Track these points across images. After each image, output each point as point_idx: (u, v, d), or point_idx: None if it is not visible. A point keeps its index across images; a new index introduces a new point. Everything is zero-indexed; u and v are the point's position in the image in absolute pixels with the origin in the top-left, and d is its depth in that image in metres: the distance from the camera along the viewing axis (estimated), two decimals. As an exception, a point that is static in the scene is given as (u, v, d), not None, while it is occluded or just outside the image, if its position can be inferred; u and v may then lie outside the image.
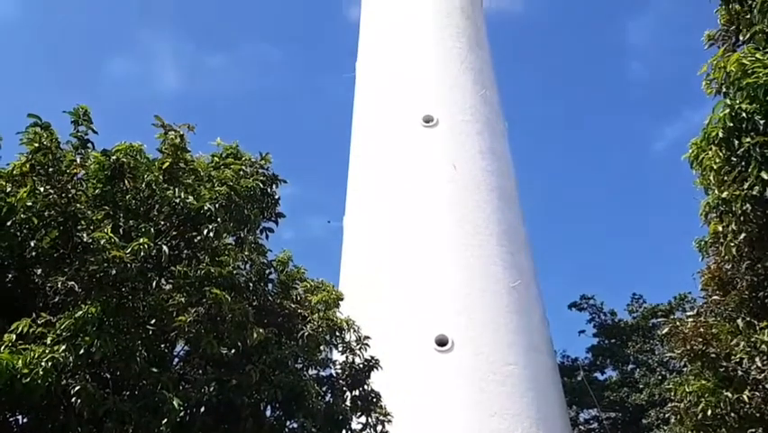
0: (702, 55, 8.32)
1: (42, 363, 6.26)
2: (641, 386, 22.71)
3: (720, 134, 7.05)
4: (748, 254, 7.78)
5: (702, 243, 8.46)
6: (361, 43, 22.14)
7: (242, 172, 8.72)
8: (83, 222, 7.55)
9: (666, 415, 9.82)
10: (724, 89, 7.38)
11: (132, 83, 47.14)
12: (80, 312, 6.67)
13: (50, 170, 7.58)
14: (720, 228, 7.69)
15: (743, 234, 7.43)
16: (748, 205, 7.08)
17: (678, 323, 8.83)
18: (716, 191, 7.40)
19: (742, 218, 7.30)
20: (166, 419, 6.82)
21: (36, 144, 7.56)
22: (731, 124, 6.93)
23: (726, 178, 7.30)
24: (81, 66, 46.29)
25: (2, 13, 44.85)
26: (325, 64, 48.46)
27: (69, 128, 8.04)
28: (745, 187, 7.05)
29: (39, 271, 7.51)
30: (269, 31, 50.92)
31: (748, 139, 6.86)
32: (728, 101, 7.01)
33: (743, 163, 7.05)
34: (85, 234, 7.40)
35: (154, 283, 7.76)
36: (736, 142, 6.97)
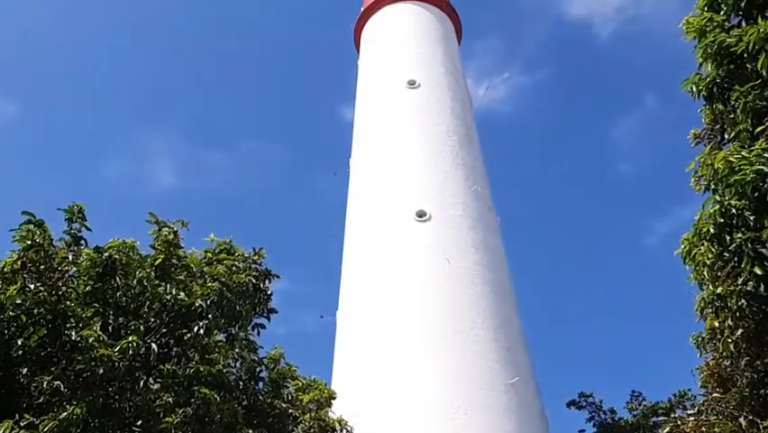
0: (689, 153, 8.52)
1: (22, 469, 6.03)
2: (645, 489, 21.92)
3: (711, 230, 7.11)
4: (746, 351, 7.67)
5: (699, 339, 8.36)
6: (355, 141, 22.65)
7: (234, 268, 8.70)
8: (72, 319, 7.45)
9: None
10: (712, 186, 7.50)
11: (129, 181, 47.79)
12: (65, 413, 6.49)
13: (42, 267, 7.54)
14: (717, 324, 7.62)
15: (740, 330, 7.36)
16: (743, 300, 7.06)
17: (679, 422, 8.61)
18: (710, 287, 7.39)
19: (738, 314, 7.26)
20: None
21: (29, 242, 7.56)
22: (722, 220, 7.00)
23: (719, 273, 7.31)
24: (78, 164, 47.08)
25: (1, 114, 45.92)
26: (319, 161, 49.36)
27: (63, 225, 8.07)
28: (740, 282, 7.05)
29: (24, 371, 7.33)
30: (263, 129, 52.17)
31: (739, 234, 6.91)
32: (718, 197, 7.12)
33: (735, 259, 7.07)
34: (73, 332, 7.28)
35: (142, 383, 7.58)
36: (728, 237, 7.02)
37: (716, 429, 7.71)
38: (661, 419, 18.71)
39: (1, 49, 46.76)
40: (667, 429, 8.33)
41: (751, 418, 7.58)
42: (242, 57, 51.59)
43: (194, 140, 50.66)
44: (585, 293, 48.62)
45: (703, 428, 7.83)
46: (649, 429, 23.50)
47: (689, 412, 8.83)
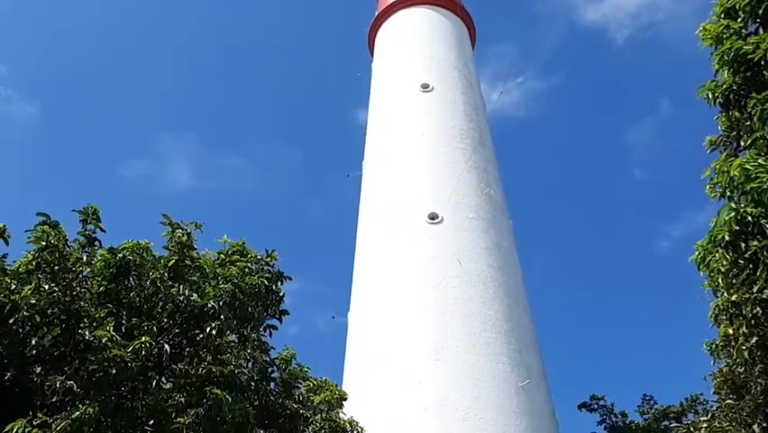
0: (704, 159, 8.46)
1: (36, 467, 6.08)
2: (657, 492, 21.81)
3: (727, 237, 7.07)
4: (761, 358, 7.63)
5: (713, 345, 8.31)
6: (368, 143, 22.67)
7: (247, 270, 8.73)
8: (86, 320, 7.51)
9: None
10: (728, 193, 7.46)
11: (145, 182, 48.05)
12: (78, 413, 6.53)
13: (56, 267, 7.60)
14: (731, 331, 7.58)
15: (754, 338, 7.32)
16: (759, 308, 7.02)
17: (692, 428, 8.56)
18: (725, 294, 7.35)
19: (753, 322, 7.22)
20: None
21: (43, 243, 7.62)
22: (737, 228, 6.96)
23: (734, 281, 7.27)
24: (95, 166, 47.39)
25: (20, 114, 46.31)
26: (332, 163, 49.48)
27: (78, 226, 8.14)
28: (755, 290, 7.01)
29: (38, 370, 7.39)
30: (277, 132, 52.29)
31: (755, 242, 6.87)
32: (733, 205, 7.07)
33: (751, 266, 7.03)
34: (87, 332, 7.34)
35: (154, 382, 7.62)
36: (743, 245, 6.98)
37: (729, 437, 7.66)
38: (673, 424, 18.59)
39: (20, 49, 47.19)
40: (680, 436, 8.26)
41: (765, 425, 7.53)
42: (257, 60, 51.82)
43: (209, 142, 50.93)
44: (598, 297, 48.40)
45: (716, 435, 7.78)
46: (660, 433, 23.37)
47: (702, 418, 8.78)
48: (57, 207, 8.00)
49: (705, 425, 8.16)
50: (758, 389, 7.87)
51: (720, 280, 7.44)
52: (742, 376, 8.18)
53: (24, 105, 47.24)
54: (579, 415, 26.12)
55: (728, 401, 8.36)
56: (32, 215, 7.78)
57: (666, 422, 23.02)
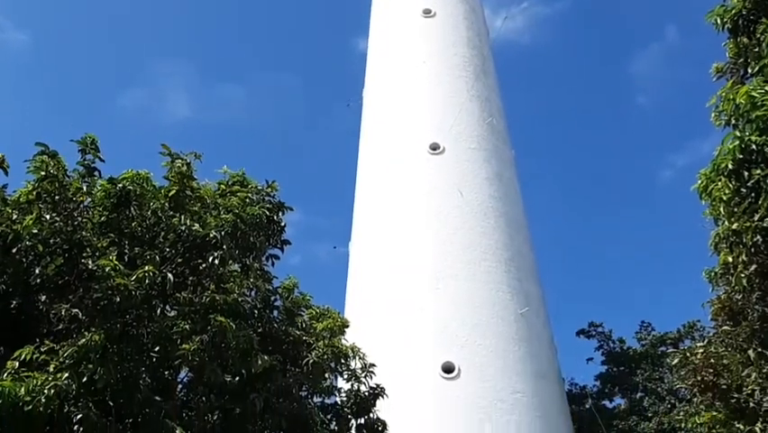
0: (710, 87, 8.33)
1: (45, 391, 6.21)
2: (650, 414, 22.43)
3: (730, 166, 7.03)
4: (759, 286, 7.70)
5: (712, 273, 8.39)
6: (368, 72, 22.31)
7: (248, 200, 8.72)
8: (88, 249, 7.55)
9: (676, 446, 9.66)
10: (733, 121, 7.37)
11: (143, 112, 47.54)
12: (84, 340, 6.64)
13: (57, 197, 7.60)
14: (730, 259, 7.63)
15: (753, 266, 7.38)
16: (759, 237, 7.04)
17: (688, 353, 8.72)
18: (726, 222, 7.36)
19: (753, 250, 7.25)
20: (169, 449, 6.75)
21: (43, 172, 7.59)
22: (741, 156, 6.91)
23: (735, 209, 7.26)
24: (92, 96, 46.78)
25: (14, 43, 45.42)
26: (332, 92, 48.84)
27: (77, 156, 8.09)
28: (756, 218, 7.02)
29: (43, 298, 7.49)
30: (277, 61, 51.38)
31: (758, 171, 6.84)
32: (738, 133, 7.00)
33: (753, 195, 7.01)
34: (90, 262, 7.39)
35: (158, 310, 7.74)
36: (746, 173, 6.95)
37: (724, 360, 7.82)
38: (670, 350, 18.97)
39: (9, -26, 45.88)
40: (676, 360, 8.43)
41: (760, 350, 7.67)
42: (254, -16, 50.46)
43: (207, 72, 50.11)
44: (599, 226, 48.64)
45: (712, 359, 7.94)
46: (657, 359, 23.88)
47: (698, 344, 8.93)
48: (54, 138, 7.95)
49: (701, 350, 8.31)
50: (755, 315, 7.99)
51: (722, 209, 7.44)
52: (739, 303, 8.28)
53: (17, 34, 46.32)
54: (577, 341, 26.66)
55: (725, 327, 8.49)
56: (30, 145, 7.74)
57: (663, 348, 23.50)
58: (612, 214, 48.00)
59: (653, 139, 48.44)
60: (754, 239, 7.09)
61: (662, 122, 47.84)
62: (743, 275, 7.50)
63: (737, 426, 7.35)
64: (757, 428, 7.24)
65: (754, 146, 6.82)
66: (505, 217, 18.76)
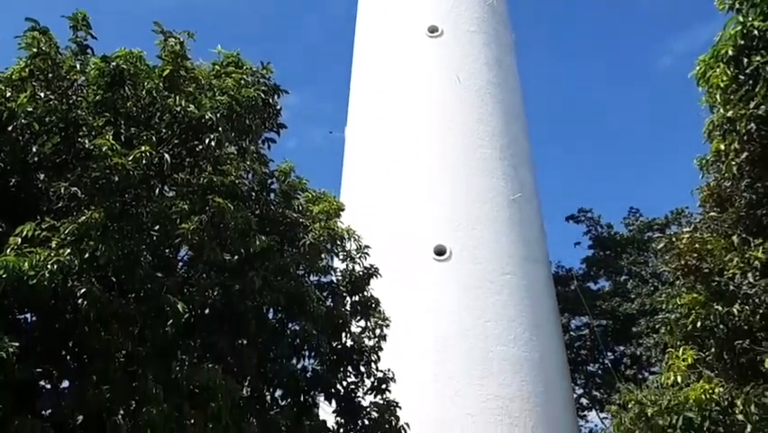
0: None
1: (48, 266, 6.35)
2: (633, 296, 23.21)
3: (730, 52, 6.94)
4: (749, 173, 7.80)
5: (703, 161, 8.45)
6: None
7: (243, 82, 8.62)
8: (84, 128, 7.53)
9: (656, 325, 10.07)
10: (737, 5, 7.20)
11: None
12: (84, 217, 6.74)
13: (50, 75, 7.50)
14: (723, 147, 7.68)
15: (745, 153, 7.44)
16: (753, 124, 7.06)
17: (674, 238, 8.92)
18: (721, 110, 7.36)
19: (746, 138, 7.29)
20: (171, 322, 7.03)
21: (35, 49, 7.45)
22: (742, 42, 6.81)
23: (732, 96, 7.24)
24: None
25: None
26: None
27: (68, 34, 7.92)
28: (752, 106, 7.01)
29: (42, 177, 7.54)
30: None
31: (758, 57, 6.76)
32: (740, 18, 6.87)
33: (750, 82, 6.98)
34: (86, 141, 7.40)
35: (157, 191, 7.83)
36: (746, 60, 6.87)
37: (708, 246, 8.01)
38: (656, 235, 19.37)
39: None
40: (661, 245, 8.65)
41: (744, 236, 7.86)
42: None
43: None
44: (595, 111, 48.34)
45: (696, 244, 8.12)
46: (643, 244, 24.45)
47: (684, 229, 9.13)
48: (42, 15, 7.74)
49: (687, 235, 8.47)
50: (742, 202, 8.12)
51: (718, 96, 7.41)
52: (728, 190, 8.40)
53: None
54: (566, 226, 27.21)
55: (712, 214, 8.65)
56: (21, 21, 7.55)
57: (650, 233, 24.00)
58: (609, 98, 47.57)
59: (654, 24, 47.29)
60: (748, 127, 7.11)
61: (663, 5, 46.55)
62: (733, 163, 7.58)
63: (716, 307, 7.63)
64: (735, 309, 7.52)
65: (756, 32, 6.72)
66: (503, 104, 18.64)
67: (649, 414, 7.63)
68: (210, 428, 6.95)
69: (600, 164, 47.95)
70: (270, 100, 9.17)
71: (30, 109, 7.21)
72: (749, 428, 6.63)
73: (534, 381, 16.50)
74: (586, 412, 26.23)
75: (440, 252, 16.79)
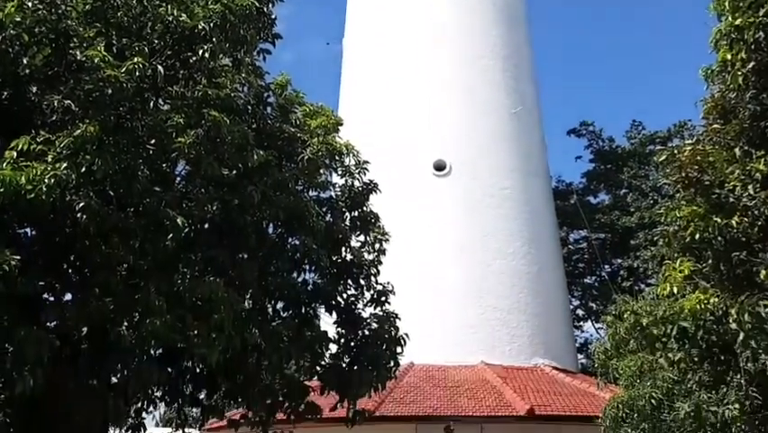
0: None
1: (45, 180, 6.33)
2: (632, 210, 23.33)
3: (740, -45, 6.65)
4: (754, 84, 7.63)
5: (709, 71, 8.25)
6: None
7: (236, -11, 8.32)
8: (75, 39, 7.33)
9: (654, 238, 10.10)
10: None
11: None
12: (79, 131, 6.65)
13: (37, -18, 7.23)
14: (729, 56, 7.47)
15: (752, 63, 7.24)
16: (761, 33, 6.85)
17: (675, 150, 8.82)
18: (729, 17, 7.12)
19: (753, 47, 7.08)
20: (171, 236, 7.05)
21: (19, -45, 7.14)
22: (753, -56, 6.52)
23: (741, 3, 6.99)
24: None
25: None
26: None
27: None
28: (761, 14, 6.78)
29: (34, 90, 7.39)
30: None
31: (770, -39, 6.49)
32: None
33: (761, -13, 6.72)
34: (78, 53, 7.21)
35: (151, 104, 7.70)
36: (757, -37, 6.60)
37: (710, 158, 7.92)
38: (658, 148, 19.25)
39: None
40: (663, 157, 8.54)
41: (746, 148, 7.76)
42: None
43: None
44: (599, 20, 47.21)
45: (698, 157, 8.02)
46: (644, 157, 24.37)
47: (686, 142, 9.00)
48: None
49: (689, 148, 8.36)
50: (746, 114, 7.97)
51: (726, 4, 7.16)
52: (732, 101, 8.23)
53: None
54: (568, 140, 27.08)
55: (715, 126, 8.50)
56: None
57: (652, 147, 23.88)
58: (613, 10, 46.33)
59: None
60: (756, 35, 6.89)
61: None
62: (740, 73, 7.39)
63: (715, 219, 7.61)
64: (733, 221, 7.50)
65: (768, -67, 6.43)
66: (506, 12, 18.18)
67: (644, 324, 7.74)
68: (213, 338, 7.08)
69: (605, 75, 47.19)
70: (265, 9, 8.90)
71: (18, 19, 6.98)
72: (741, 336, 6.73)
73: (532, 293, 16.80)
74: (582, 323, 26.85)
75: (439, 167, 16.74)
